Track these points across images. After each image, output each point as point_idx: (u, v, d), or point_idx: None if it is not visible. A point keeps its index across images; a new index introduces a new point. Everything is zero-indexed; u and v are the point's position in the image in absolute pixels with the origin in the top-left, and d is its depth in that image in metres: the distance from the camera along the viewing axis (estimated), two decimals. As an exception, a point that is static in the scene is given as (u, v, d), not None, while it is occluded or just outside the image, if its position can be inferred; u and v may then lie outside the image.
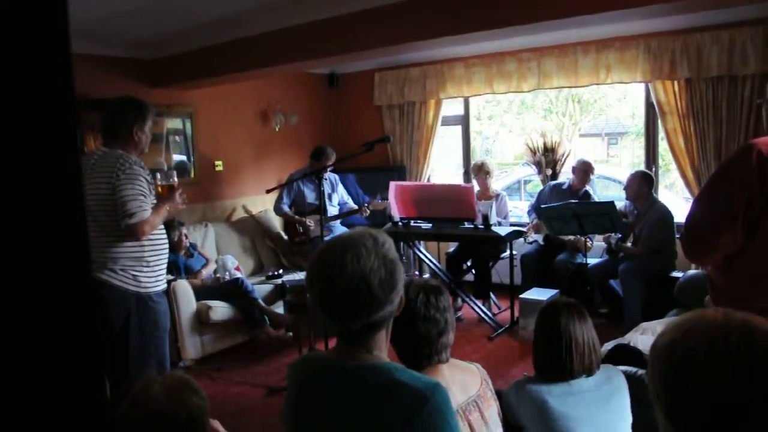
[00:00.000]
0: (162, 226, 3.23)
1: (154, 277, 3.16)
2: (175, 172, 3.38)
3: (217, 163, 6.59)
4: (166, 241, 3.29)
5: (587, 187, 5.93)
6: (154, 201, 3.15)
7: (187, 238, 5.47)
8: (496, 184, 6.66)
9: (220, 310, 5.09)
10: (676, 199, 8.01)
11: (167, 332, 3.30)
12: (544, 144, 6.82)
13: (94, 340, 0.72)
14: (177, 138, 6.26)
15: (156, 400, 1.58)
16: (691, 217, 2.23)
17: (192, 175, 6.36)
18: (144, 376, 1.66)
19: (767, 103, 2.18)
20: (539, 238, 6.03)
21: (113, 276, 3.03)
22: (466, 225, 5.58)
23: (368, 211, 5.90)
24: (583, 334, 2.18)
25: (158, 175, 3.27)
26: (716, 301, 2.22)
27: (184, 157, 6.33)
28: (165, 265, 3.27)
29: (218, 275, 5.54)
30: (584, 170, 5.86)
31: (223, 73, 5.56)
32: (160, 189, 3.23)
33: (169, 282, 4.53)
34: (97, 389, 0.74)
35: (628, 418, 2.20)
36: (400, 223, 5.83)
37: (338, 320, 1.49)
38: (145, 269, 3.10)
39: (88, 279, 0.72)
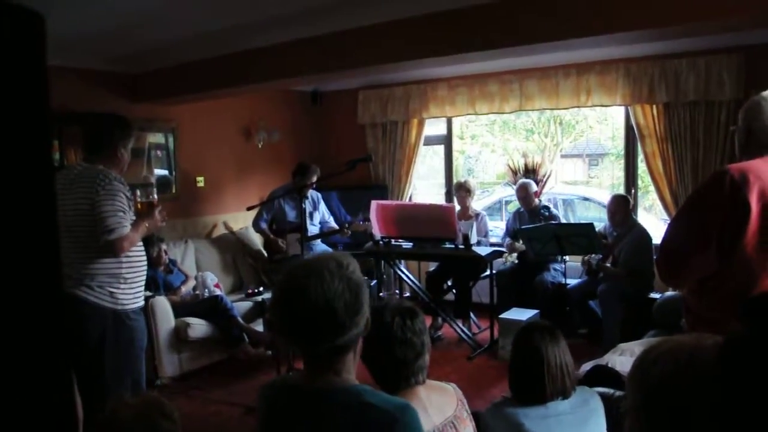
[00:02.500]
0: (140, 243, 3.21)
1: (132, 294, 3.13)
2: (155, 189, 3.37)
3: (198, 178, 6.57)
4: (145, 257, 3.27)
5: (546, 203, 6.09)
6: (134, 217, 3.13)
7: (166, 254, 5.44)
8: (477, 204, 6.72)
9: (198, 327, 5.05)
10: (655, 220, 8.10)
11: (144, 350, 3.26)
12: (525, 164, 6.88)
13: (61, 360, 0.71)
14: (159, 153, 6.24)
15: (125, 425, 1.55)
16: (665, 240, 2.26)
17: (173, 190, 6.33)
18: (115, 397, 1.64)
19: (739, 131, 2.22)
20: (514, 257, 6.07)
21: (89, 292, 3.00)
22: (447, 245, 5.59)
23: (349, 232, 5.89)
24: (557, 356, 2.19)
25: (138, 192, 3.25)
26: (691, 323, 2.25)
27: (166, 172, 6.31)
28: (143, 282, 3.25)
29: (197, 292, 5.50)
30: (520, 193, 6.05)
31: (206, 90, 5.57)
32: (139, 205, 3.21)
33: (147, 298, 4.50)
34: (65, 411, 0.73)
35: (605, 441, 2.21)
36: (381, 242, 5.84)
37: (303, 345, 1.50)
38: (122, 286, 3.08)
39: (58, 296, 0.72)
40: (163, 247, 5.40)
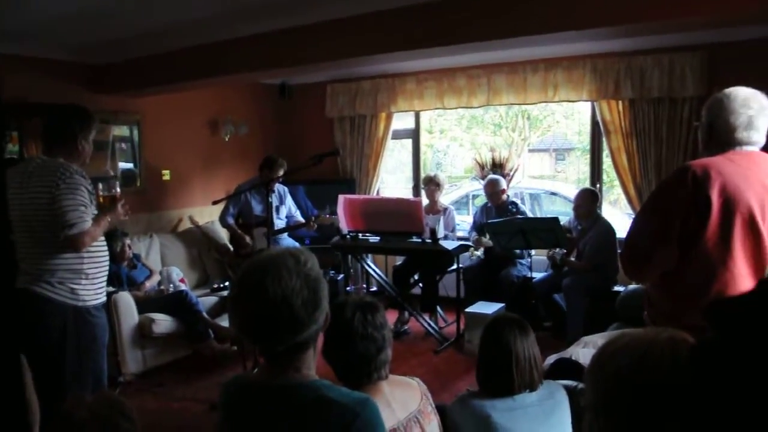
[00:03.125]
0: (103, 237, 3.14)
1: (93, 290, 3.07)
2: (117, 182, 3.30)
3: (164, 172, 6.47)
4: (107, 252, 3.20)
5: (514, 199, 6.17)
6: (95, 212, 3.06)
7: (130, 248, 5.34)
8: (445, 198, 6.74)
9: (163, 323, 4.97)
10: (620, 214, 8.22)
11: (105, 347, 3.20)
12: (493, 159, 6.92)
13: (12, 357, 0.69)
14: (123, 145, 6.13)
15: (81, 425, 1.51)
16: (629, 235, 2.29)
17: (138, 183, 6.24)
18: (72, 397, 1.60)
19: (702, 127, 2.25)
20: (480, 252, 6.11)
21: (49, 289, 2.93)
22: (414, 239, 5.60)
23: (315, 225, 5.87)
24: (525, 349, 2.21)
25: (100, 185, 3.18)
26: (653, 317, 2.28)
27: (131, 165, 6.20)
28: (105, 278, 3.18)
29: (162, 287, 5.42)
30: (488, 189, 6.08)
31: (172, 82, 5.48)
32: (101, 199, 3.14)
33: (110, 294, 4.42)
34: (15, 410, 0.71)
35: (569, 432, 2.23)
36: (348, 236, 5.83)
37: (262, 342, 1.49)
38: (83, 282, 3.01)
39: (9, 291, 0.69)
40: (127, 241, 5.30)
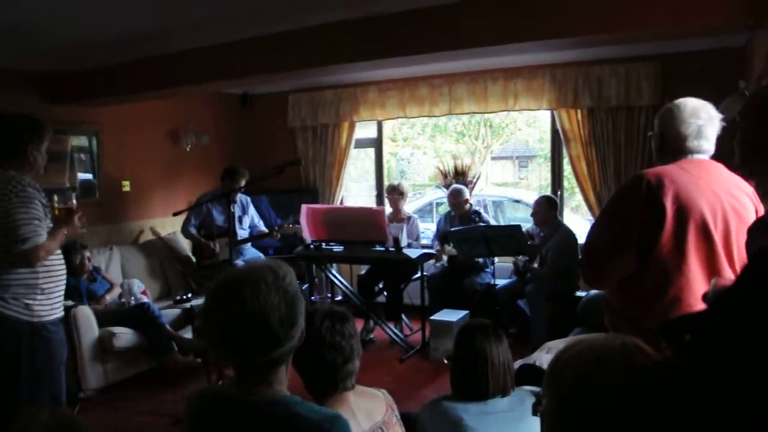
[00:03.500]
0: (59, 251, 3.08)
1: (49, 306, 3.00)
2: (74, 194, 3.24)
3: (124, 183, 6.37)
4: (64, 266, 3.14)
5: (476, 208, 6.20)
6: (50, 225, 3.00)
7: (89, 261, 5.24)
8: (409, 206, 6.76)
9: (124, 336, 4.88)
10: (581, 221, 8.34)
11: (64, 363, 3.13)
12: (456, 167, 6.97)
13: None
14: (82, 156, 6.03)
15: None
16: (587, 243, 2.33)
17: (97, 195, 6.13)
18: (26, 416, 1.55)
19: (654, 137, 2.31)
20: (444, 260, 6.14)
21: (3, 305, 2.85)
22: (378, 247, 5.61)
23: (279, 235, 5.84)
24: (500, 354, 2.24)
25: (55, 197, 3.12)
26: (612, 322, 2.32)
27: (90, 176, 6.09)
28: (62, 293, 3.11)
29: (123, 300, 5.33)
30: (452, 199, 6.12)
31: (132, 92, 5.42)
32: (57, 212, 3.08)
33: (69, 308, 4.34)
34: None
35: (539, 440, 2.26)
36: (312, 246, 5.81)
37: (236, 357, 1.47)
38: (39, 297, 2.94)
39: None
40: (86, 254, 5.20)
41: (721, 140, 2.22)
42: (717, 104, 2.28)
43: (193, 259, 6.22)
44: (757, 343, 0.57)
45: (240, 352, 1.44)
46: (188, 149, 6.86)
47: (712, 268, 2.10)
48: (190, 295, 5.65)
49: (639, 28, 3.56)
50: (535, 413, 1.31)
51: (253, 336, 1.41)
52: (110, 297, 5.29)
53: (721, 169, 2.19)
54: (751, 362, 0.57)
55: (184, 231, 6.02)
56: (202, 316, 1.50)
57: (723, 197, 2.11)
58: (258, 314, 1.39)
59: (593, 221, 2.65)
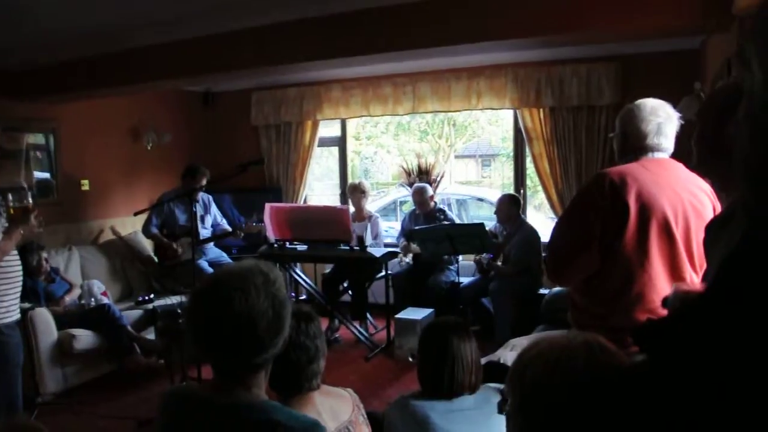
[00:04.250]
0: (15, 252, 3.00)
1: (4, 308, 2.93)
2: (29, 193, 3.15)
3: (83, 181, 6.24)
4: (19, 267, 3.06)
5: (441, 206, 6.25)
6: (6, 224, 2.92)
7: (47, 262, 5.12)
8: (372, 205, 6.77)
9: (84, 338, 4.79)
10: (544, 219, 8.44)
11: (20, 368, 3.06)
12: (420, 165, 7.00)
13: None
14: (39, 154, 5.88)
15: None
16: (552, 240, 2.36)
17: (55, 194, 5.99)
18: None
19: (616, 137, 2.35)
20: (409, 258, 6.17)
21: None
22: (342, 246, 5.60)
23: (242, 234, 5.79)
24: (471, 353, 2.24)
25: (10, 196, 3.04)
26: (577, 319, 2.35)
27: (47, 175, 5.95)
28: (17, 295, 3.04)
29: (83, 301, 5.23)
30: (416, 197, 6.17)
31: (90, 89, 5.32)
32: (12, 211, 3.00)
33: (26, 311, 4.23)
34: None
35: (504, 437, 2.27)
36: (275, 245, 5.77)
37: (217, 359, 1.45)
38: (-7, 299, 2.87)
39: None
40: (44, 255, 5.08)
41: (679, 140, 2.27)
42: (674, 105, 2.34)
43: (155, 259, 6.12)
44: (726, 351, 0.58)
45: (222, 355, 1.42)
46: (149, 147, 6.75)
47: (673, 266, 2.15)
48: (152, 295, 5.58)
49: (596, 29, 3.62)
50: (500, 412, 1.32)
51: (239, 340, 1.38)
52: (69, 298, 5.18)
53: (680, 168, 2.24)
54: (716, 369, 0.59)
55: (146, 231, 5.93)
56: (186, 312, 1.46)
57: (683, 195, 2.16)
58: (245, 318, 1.37)
59: (557, 219, 2.68)
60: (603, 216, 2.13)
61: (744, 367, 0.56)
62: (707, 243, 1.75)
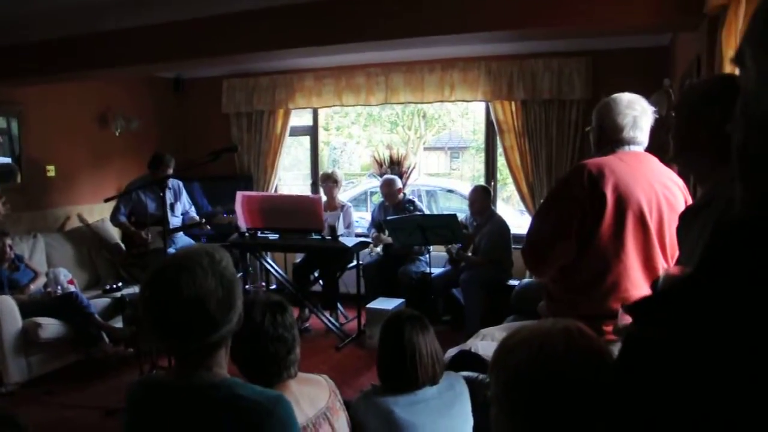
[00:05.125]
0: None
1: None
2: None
3: (48, 167, 6.11)
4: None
5: (410, 197, 6.30)
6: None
7: (11, 249, 5.02)
8: (343, 195, 6.76)
9: (50, 327, 4.71)
10: (513, 211, 8.53)
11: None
12: (390, 156, 7.01)
13: None
14: (0, 139, 5.73)
15: None
16: (531, 231, 2.40)
17: (18, 180, 5.85)
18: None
19: (593, 130, 2.40)
20: (380, 248, 6.19)
21: None
22: (314, 236, 5.59)
23: (207, 227, 5.73)
24: (427, 345, 2.24)
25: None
26: (552, 308, 2.39)
27: (8, 160, 5.81)
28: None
29: (49, 289, 5.13)
30: (385, 189, 6.19)
31: (56, 72, 5.17)
32: None
33: (-11, 298, 4.15)
34: None
35: (470, 422, 2.30)
36: (247, 234, 5.74)
37: (174, 342, 1.46)
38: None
39: None
40: (8, 241, 4.97)
41: (653, 134, 2.32)
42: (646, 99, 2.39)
43: (123, 247, 6.04)
44: (717, 321, 0.61)
45: (178, 338, 1.44)
46: (117, 134, 6.63)
47: (647, 256, 2.20)
48: (120, 284, 5.51)
49: (569, 23, 3.67)
50: (484, 400, 1.34)
51: (191, 321, 1.40)
52: (34, 286, 5.09)
53: (654, 161, 2.29)
54: (709, 338, 0.61)
55: (114, 219, 5.85)
56: (138, 302, 1.47)
57: (657, 188, 2.22)
58: (194, 299, 1.39)
59: (536, 210, 2.73)
60: (581, 206, 2.18)
61: (737, 339, 0.59)
62: (680, 231, 1.80)
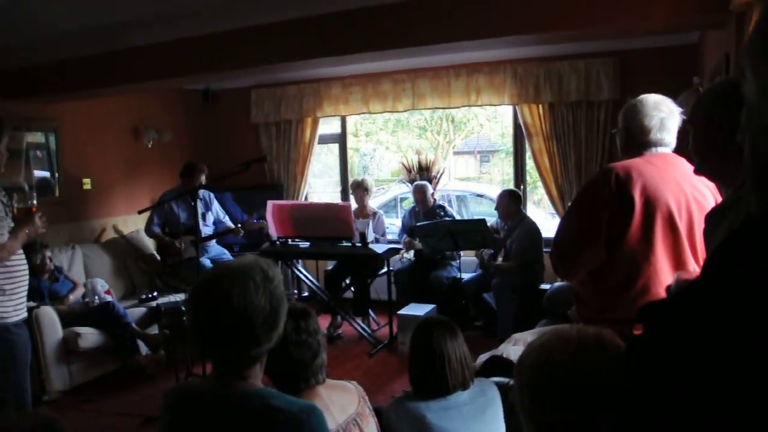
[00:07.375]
0: (21, 251, 3.02)
1: (12, 307, 2.94)
2: (34, 194, 3.16)
3: (84, 180, 6.26)
4: (26, 266, 3.08)
5: (440, 202, 6.30)
6: (12, 224, 2.94)
7: (51, 261, 5.14)
8: (373, 202, 6.78)
9: (89, 336, 4.82)
10: (544, 214, 8.46)
11: (28, 365, 3.07)
12: (419, 162, 7.02)
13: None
14: (39, 153, 5.87)
15: None
16: (558, 235, 2.38)
17: (56, 193, 6.00)
18: (1, 417, 1.54)
19: (620, 132, 2.38)
20: (411, 254, 6.19)
21: None
22: (344, 243, 5.62)
23: (242, 232, 5.80)
24: (455, 350, 2.26)
25: (15, 197, 3.05)
26: (582, 313, 2.38)
27: (47, 174, 5.95)
28: (24, 293, 3.06)
29: (87, 300, 5.25)
30: (417, 196, 6.20)
31: (90, 87, 5.30)
32: (16, 211, 3.02)
33: (31, 309, 4.25)
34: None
35: (502, 427, 2.30)
36: (277, 242, 5.79)
37: (215, 350, 1.49)
38: (1, 298, 2.89)
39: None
40: (48, 253, 5.10)
41: (681, 134, 2.30)
42: (673, 100, 2.36)
43: (158, 257, 6.14)
44: (713, 331, 0.61)
45: (219, 346, 1.47)
46: (150, 146, 6.76)
47: (677, 258, 2.17)
48: (155, 293, 5.60)
49: (596, 25, 3.65)
50: (511, 407, 1.35)
51: (235, 332, 1.43)
52: (74, 297, 5.20)
53: (683, 162, 2.26)
54: (711, 340, 0.62)
55: (148, 230, 5.96)
56: (189, 302, 1.51)
57: (686, 189, 2.19)
58: (242, 312, 1.42)
59: (563, 214, 2.71)
60: (609, 210, 2.16)
61: (739, 341, 0.59)
62: (707, 232, 1.78)
